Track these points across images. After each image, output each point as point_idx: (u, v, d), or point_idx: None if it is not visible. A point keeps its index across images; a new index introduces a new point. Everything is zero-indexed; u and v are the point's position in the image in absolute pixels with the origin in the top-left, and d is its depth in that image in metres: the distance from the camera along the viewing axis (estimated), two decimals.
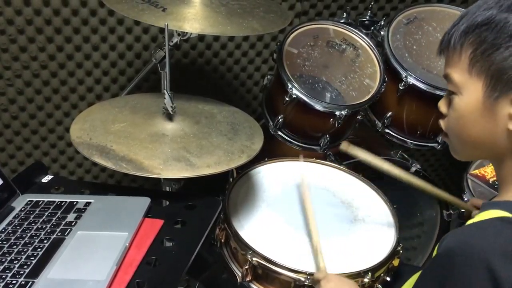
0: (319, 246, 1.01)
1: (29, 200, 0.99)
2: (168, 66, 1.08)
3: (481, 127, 0.74)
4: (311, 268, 0.99)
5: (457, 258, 0.67)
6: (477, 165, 1.46)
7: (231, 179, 1.23)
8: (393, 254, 1.07)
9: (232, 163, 1.03)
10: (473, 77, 0.73)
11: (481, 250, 0.65)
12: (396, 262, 1.09)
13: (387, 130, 1.50)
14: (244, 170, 1.25)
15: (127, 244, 0.86)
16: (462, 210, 1.34)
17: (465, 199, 1.35)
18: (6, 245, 0.86)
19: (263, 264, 1.00)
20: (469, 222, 0.73)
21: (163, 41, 1.09)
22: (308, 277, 0.97)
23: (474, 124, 0.75)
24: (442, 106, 0.82)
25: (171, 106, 1.09)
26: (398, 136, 1.50)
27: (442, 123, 0.82)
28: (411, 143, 1.50)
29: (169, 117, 1.12)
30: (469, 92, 0.74)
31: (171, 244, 0.91)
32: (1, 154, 1.61)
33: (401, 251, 1.10)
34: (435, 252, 0.73)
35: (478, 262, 0.64)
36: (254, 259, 1.01)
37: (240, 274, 1.05)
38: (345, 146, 1.14)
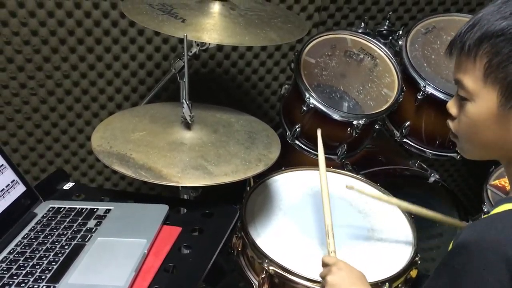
0: (331, 229, 0.99)
1: (51, 207, 1.01)
2: (187, 76, 1.10)
3: (493, 133, 0.75)
4: None
5: (473, 250, 0.67)
6: (497, 176, 1.44)
7: (248, 188, 1.24)
8: (410, 264, 1.06)
9: (249, 172, 1.04)
10: (488, 86, 0.73)
11: (497, 242, 0.66)
12: (414, 273, 1.08)
13: (405, 140, 1.49)
14: (261, 178, 1.26)
15: (146, 251, 0.88)
16: None
17: (485, 209, 1.33)
18: (29, 251, 0.88)
19: (280, 273, 1.00)
20: (484, 216, 0.74)
21: (182, 51, 1.11)
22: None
23: (486, 130, 0.76)
24: (452, 107, 0.82)
25: (190, 115, 1.11)
26: (417, 146, 1.49)
27: (451, 124, 0.82)
28: (429, 153, 1.49)
29: (188, 126, 1.13)
30: (482, 100, 0.74)
31: (188, 251, 0.92)
32: (24, 162, 1.65)
33: (419, 262, 1.09)
34: (450, 246, 0.73)
35: (494, 254, 0.65)
36: (271, 268, 1.01)
37: (256, 283, 1.05)
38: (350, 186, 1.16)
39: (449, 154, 1.48)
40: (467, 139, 0.80)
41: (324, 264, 0.93)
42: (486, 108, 0.74)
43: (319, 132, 1.24)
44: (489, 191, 1.39)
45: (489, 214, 0.73)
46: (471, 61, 0.74)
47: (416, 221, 1.18)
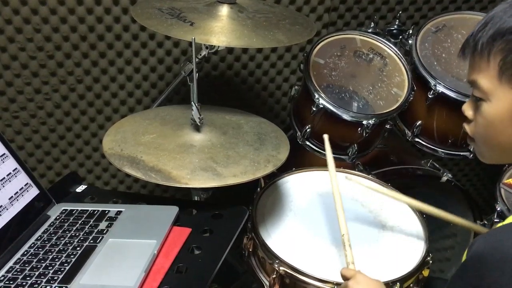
0: (347, 239, 0.98)
1: (64, 209, 1.03)
2: (195, 79, 1.11)
3: (511, 133, 0.73)
4: (338, 278, 0.98)
5: (488, 261, 0.65)
6: (510, 174, 1.42)
7: (258, 189, 1.24)
8: (422, 264, 1.05)
9: (258, 173, 1.04)
10: (503, 85, 0.72)
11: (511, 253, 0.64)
12: (426, 273, 1.08)
13: (417, 139, 1.48)
14: (272, 179, 1.26)
15: (156, 252, 0.89)
16: (496, 220, 1.31)
17: (498, 208, 1.32)
18: (42, 252, 0.90)
19: (290, 274, 1.01)
20: (498, 225, 0.72)
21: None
22: (335, 287, 0.97)
23: (504, 131, 0.74)
24: (467, 110, 0.80)
25: (199, 118, 1.12)
26: (429, 145, 1.48)
27: (467, 127, 0.81)
28: (442, 152, 1.48)
29: (197, 128, 1.14)
30: (498, 99, 0.73)
31: (198, 252, 0.93)
32: (39, 166, 1.68)
33: (430, 262, 1.08)
34: (464, 257, 0.72)
35: (509, 265, 0.63)
36: (282, 268, 1.01)
37: (267, 284, 1.06)
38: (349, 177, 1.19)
39: (462, 153, 1.47)
40: (484, 141, 0.79)
41: (343, 277, 0.92)
42: (502, 108, 0.72)
43: (326, 138, 1.17)
44: (502, 190, 1.37)
45: (504, 223, 0.71)
46: (484, 60, 0.73)
47: (429, 221, 1.17)
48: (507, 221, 0.71)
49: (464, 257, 0.72)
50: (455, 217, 1.12)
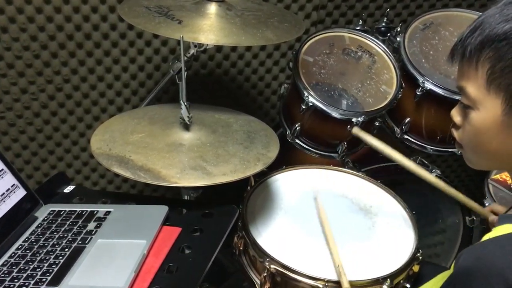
0: (342, 266, 0.98)
1: (52, 210, 1.02)
2: (184, 77, 1.11)
3: (499, 142, 0.72)
4: (329, 275, 0.98)
5: (474, 275, 0.65)
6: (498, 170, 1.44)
7: (249, 187, 1.24)
8: (412, 260, 1.06)
9: (248, 171, 1.04)
10: (491, 94, 0.70)
11: (498, 267, 0.64)
12: (416, 268, 1.08)
13: (406, 136, 1.49)
14: (262, 178, 1.26)
15: (145, 252, 0.88)
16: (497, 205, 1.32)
17: (486, 204, 1.33)
18: (29, 254, 0.89)
19: (281, 272, 1.00)
20: (485, 237, 0.71)
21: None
22: (327, 284, 0.97)
23: (491, 139, 0.73)
24: (455, 116, 0.80)
25: (188, 116, 1.11)
26: (418, 142, 1.49)
27: (456, 134, 0.80)
28: (430, 148, 1.49)
29: (186, 127, 1.14)
30: (486, 108, 0.71)
31: (188, 251, 0.92)
32: (26, 167, 1.66)
33: (420, 257, 1.08)
34: (451, 270, 0.71)
35: (495, 279, 0.63)
36: (272, 266, 1.01)
37: (258, 282, 1.06)
38: (356, 130, 1.21)
39: (450, 150, 1.48)
40: (472, 148, 0.78)
41: None
42: (490, 117, 0.71)
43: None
44: (490, 186, 1.39)
45: (490, 236, 0.70)
46: (473, 67, 0.71)
47: (419, 217, 1.18)
48: (492, 234, 0.70)
49: (451, 269, 0.72)
50: (454, 190, 1.15)
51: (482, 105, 0.72)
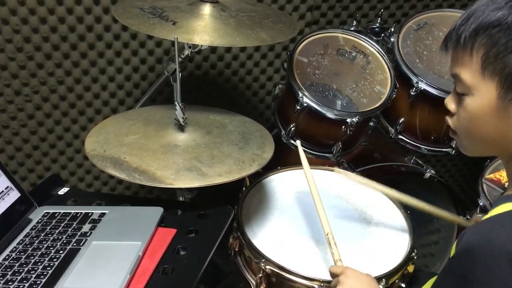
0: (332, 237, 0.98)
1: (46, 212, 1.01)
2: (178, 78, 1.11)
3: (493, 127, 0.74)
4: (324, 276, 0.98)
5: (478, 253, 0.66)
6: (492, 169, 1.44)
7: (244, 188, 1.24)
8: (407, 260, 1.06)
9: (243, 172, 1.04)
10: (486, 79, 0.72)
11: (501, 244, 0.65)
12: (411, 268, 1.08)
13: (400, 136, 1.50)
14: (257, 179, 1.26)
15: (140, 253, 0.88)
16: (479, 215, 1.33)
17: (480, 203, 1.33)
18: (24, 256, 0.89)
19: (277, 272, 1.00)
20: (485, 217, 0.72)
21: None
22: (322, 285, 0.97)
23: (486, 125, 0.74)
24: (450, 103, 0.80)
25: (182, 117, 1.11)
26: (412, 142, 1.50)
27: (450, 121, 0.81)
28: (425, 148, 1.49)
29: (181, 128, 1.14)
30: (481, 93, 0.73)
31: (184, 253, 0.92)
32: (20, 169, 1.65)
33: (415, 257, 1.09)
34: (453, 251, 0.72)
35: (500, 256, 0.64)
36: (268, 267, 1.01)
37: (254, 283, 1.06)
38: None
39: (444, 150, 1.49)
40: (467, 135, 0.79)
41: (332, 275, 0.92)
42: (485, 102, 0.72)
43: (298, 143, 1.19)
44: (484, 185, 1.40)
45: (490, 215, 0.71)
46: (467, 54, 0.73)
47: (414, 217, 1.18)
48: (491, 214, 0.72)
49: (452, 251, 0.73)
50: (439, 210, 1.13)
51: (477, 90, 0.73)
